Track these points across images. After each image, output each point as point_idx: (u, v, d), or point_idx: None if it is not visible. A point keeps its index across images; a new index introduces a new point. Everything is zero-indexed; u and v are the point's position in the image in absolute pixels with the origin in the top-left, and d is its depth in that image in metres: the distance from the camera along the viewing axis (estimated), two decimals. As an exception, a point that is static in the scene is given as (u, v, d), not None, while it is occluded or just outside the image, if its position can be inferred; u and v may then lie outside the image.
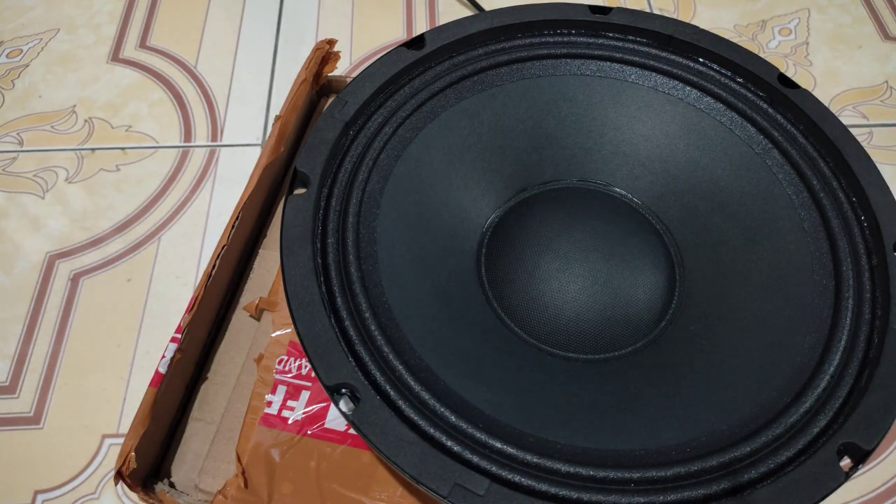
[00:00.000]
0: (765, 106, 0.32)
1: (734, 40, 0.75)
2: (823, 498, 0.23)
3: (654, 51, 0.34)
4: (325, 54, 0.45)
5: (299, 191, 0.29)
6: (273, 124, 0.42)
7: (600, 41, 0.34)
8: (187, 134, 0.69)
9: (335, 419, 0.35)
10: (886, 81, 0.70)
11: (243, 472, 0.33)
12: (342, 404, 0.25)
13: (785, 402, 0.25)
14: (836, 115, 0.68)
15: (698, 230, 0.32)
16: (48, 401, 0.54)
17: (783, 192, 0.30)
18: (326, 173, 0.30)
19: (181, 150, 0.68)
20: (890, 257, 0.28)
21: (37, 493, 0.50)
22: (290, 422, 0.35)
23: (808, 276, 0.28)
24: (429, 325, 0.28)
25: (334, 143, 0.30)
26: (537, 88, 0.34)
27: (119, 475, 0.31)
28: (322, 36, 0.75)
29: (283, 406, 0.35)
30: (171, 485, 0.34)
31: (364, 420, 0.24)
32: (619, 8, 0.35)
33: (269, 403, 0.35)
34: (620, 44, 0.34)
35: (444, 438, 0.24)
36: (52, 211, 0.64)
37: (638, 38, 0.34)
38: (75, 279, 0.59)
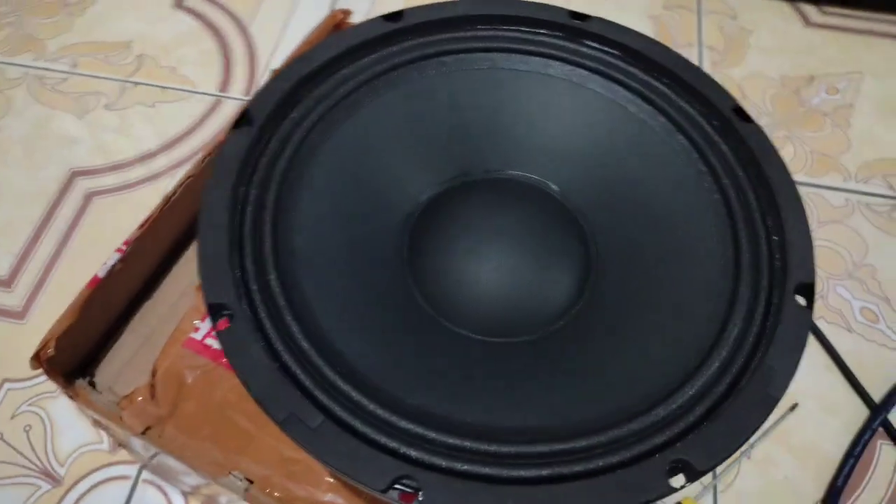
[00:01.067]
0: (712, 133, 0.32)
1: (777, 90, 0.75)
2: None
3: (622, 64, 0.34)
4: (337, 22, 0.47)
5: (243, 128, 0.31)
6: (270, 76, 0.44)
7: (572, 46, 0.35)
8: (224, 85, 0.73)
9: (250, 355, 0.36)
10: (924, 158, 0.68)
11: (153, 384, 0.35)
12: (220, 323, 0.26)
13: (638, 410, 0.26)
14: (863, 181, 0.66)
15: (623, 241, 0.32)
16: (36, 301, 0.57)
17: (708, 218, 0.30)
18: (273, 118, 0.31)
19: (215, 98, 0.71)
20: (787, 297, 0.27)
21: (4, 380, 0.54)
22: (210, 349, 0.37)
23: (705, 302, 0.28)
24: (329, 273, 0.29)
25: (287, 93, 0.32)
26: (500, 79, 0.35)
27: (36, 358, 0.33)
28: (375, 14, 0.77)
29: (209, 334, 0.37)
30: (92, 384, 0.36)
31: (229, 340, 0.25)
32: (597, 18, 0.35)
33: (196, 329, 0.37)
34: (591, 52, 0.35)
35: (298, 372, 0.25)
36: (85, 132, 0.68)
37: (610, 50, 0.35)
38: (88, 197, 0.63)
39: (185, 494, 0.49)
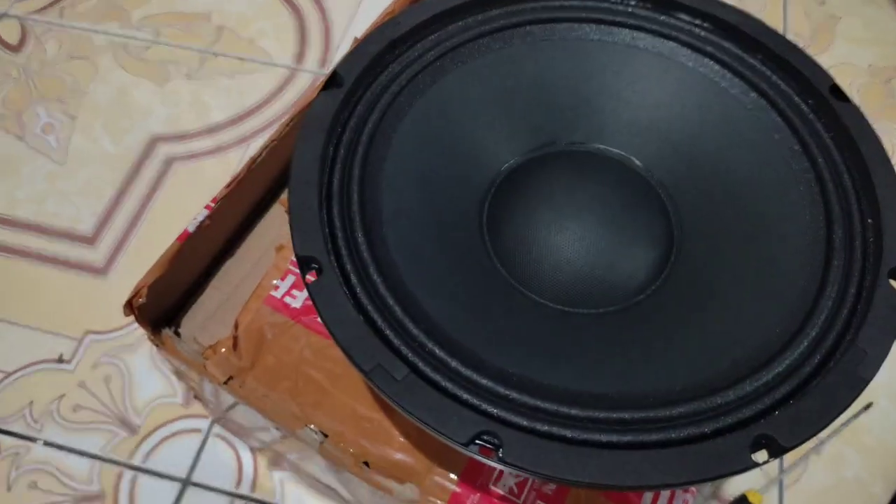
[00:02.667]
0: (807, 111, 0.31)
1: (865, 80, 0.71)
2: (729, 473, 0.23)
3: (713, 38, 0.34)
4: (418, -6, 0.47)
5: (332, 89, 0.32)
6: (352, 45, 0.44)
7: (662, 18, 0.34)
8: (300, 57, 0.74)
9: (327, 314, 0.37)
10: None
11: (236, 338, 0.37)
12: (308, 275, 0.27)
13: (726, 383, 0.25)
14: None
15: (709, 217, 0.32)
16: (118, 258, 0.60)
17: (799, 197, 0.30)
18: (361, 80, 0.32)
19: (290, 70, 0.73)
20: (881, 280, 0.27)
21: (87, 332, 0.56)
22: (289, 308, 0.38)
23: (794, 280, 0.28)
24: (412, 233, 0.30)
25: (376, 56, 0.32)
26: (587, 50, 0.34)
27: (128, 305, 0.35)
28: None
29: (288, 293, 0.38)
30: (177, 334, 0.38)
31: (319, 291, 0.26)
32: (690, -11, 0.35)
33: (276, 287, 0.38)
34: (682, 24, 0.34)
35: (383, 326, 0.26)
36: (166, 99, 0.70)
37: (701, 23, 0.34)
38: (168, 161, 0.66)
39: (253, 450, 0.51)
